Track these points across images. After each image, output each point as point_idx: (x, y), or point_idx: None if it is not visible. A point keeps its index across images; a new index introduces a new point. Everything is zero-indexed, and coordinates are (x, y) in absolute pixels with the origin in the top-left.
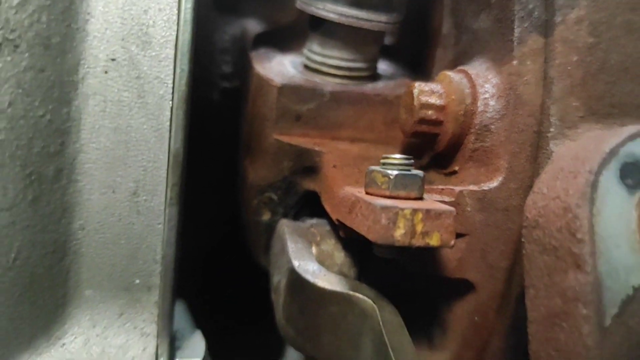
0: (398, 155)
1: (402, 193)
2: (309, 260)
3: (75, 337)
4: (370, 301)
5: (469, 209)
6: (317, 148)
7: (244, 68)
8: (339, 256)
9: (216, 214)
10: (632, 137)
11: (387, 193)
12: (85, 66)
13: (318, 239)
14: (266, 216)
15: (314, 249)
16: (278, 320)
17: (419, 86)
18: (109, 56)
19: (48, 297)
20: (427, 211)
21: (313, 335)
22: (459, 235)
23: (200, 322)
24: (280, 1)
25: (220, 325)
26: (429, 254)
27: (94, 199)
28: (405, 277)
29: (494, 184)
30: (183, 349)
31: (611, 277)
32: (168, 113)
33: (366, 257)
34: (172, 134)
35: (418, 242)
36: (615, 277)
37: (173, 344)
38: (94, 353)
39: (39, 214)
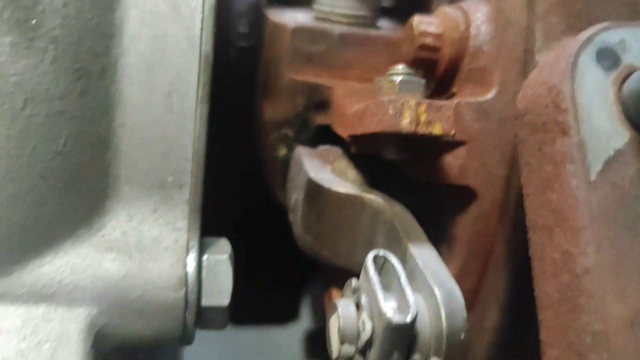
0: (401, 66)
1: (407, 96)
2: (325, 171)
3: (114, 229)
4: (381, 200)
5: (467, 118)
6: (328, 84)
7: (259, 26)
8: (351, 173)
9: (237, 156)
10: (605, 29)
11: (394, 97)
12: None
13: (332, 158)
14: (282, 152)
15: (328, 167)
16: (297, 233)
17: (418, 18)
18: None
19: (90, 189)
20: (430, 104)
21: (330, 240)
22: (459, 143)
23: None
24: None
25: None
26: (433, 162)
27: (133, 99)
28: (412, 193)
29: (488, 96)
30: (211, 248)
31: (593, 140)
32: (199, 23)
33: (376, 175)
34: (203, 39)
35: (422, 129)
36: (597, 141)
37: (202, 239)
38: (131, 243)
39: (86, 107)
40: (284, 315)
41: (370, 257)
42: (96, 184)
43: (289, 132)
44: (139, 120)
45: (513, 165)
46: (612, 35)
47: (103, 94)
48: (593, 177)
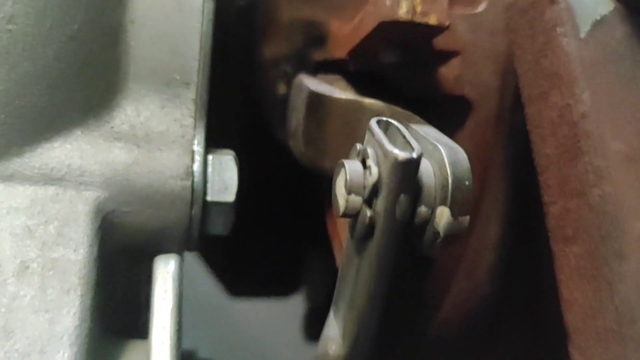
0: None
1: None
2: (325, 85)
3: (122, 123)
4: (381, 102)
5: (459, 28)
6: (324, 20)
7: None
8: (351, 92)
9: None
10: None
11: None
12: None
13: (331, 80)
14: (282, 89)
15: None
16: (298, 152)
17: None
18: None
19: (100, 81)
20: None
21: (332, 149)
22: (453, 54)
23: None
24: None
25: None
26: (430, 73)
27: None
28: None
29: (479, 9)
30: (217, 151)
31: (580, 6)
32: None
33: (375, 96)
34: None
35: (418, 19)
36: (584, 7)
37: (207, 137)
38: (139, 135)
39: None
40: (282, 288)
41: (373, 120)
42: (106, 76)
43: (288, 69)
44: (149, 16)
45: (506, 77)
46: None
47: None
48: (582, 35)
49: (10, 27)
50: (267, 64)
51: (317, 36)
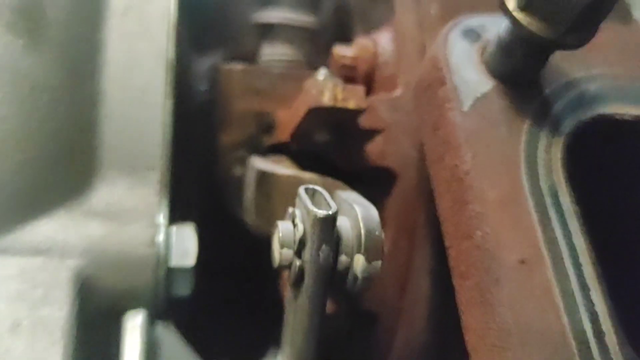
0: (324, 70)
1: (326, 81)
2: (271, 164)
3: (98, 202)
4: (315, 176)
5: (381, 110)
6: (272, 111)
7: (215, 79)
8: (293, 170)
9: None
10: (467, 17)
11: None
12: None
13: (278, 160)
14: (238, 171)
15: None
16: (251, 222)
17: (338, 46)
18: None
19: (80, 167)
20: (345, 86)
21: (278, 217)
22: (376, 132)
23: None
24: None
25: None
26: (358, 149)
27: (115, 95)
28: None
29: (396, 94)
30: (179, 223)
31: (464, 86)
32: (165, 37)
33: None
34: (169, 49)
35: (340, 104)
36: (467, 86)
37: (171, 211)
38: (112, 212)
39: (78, 98)
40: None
41: (301, 188)
42: (84, 163)
43: (243, 153)
44: (119, 111)
45: (423, 148)
46: (474, 21)
47: (91, 89)
48: (465, 109)
49: (3, 126)
50: (224, 150)
51: (266, 124)
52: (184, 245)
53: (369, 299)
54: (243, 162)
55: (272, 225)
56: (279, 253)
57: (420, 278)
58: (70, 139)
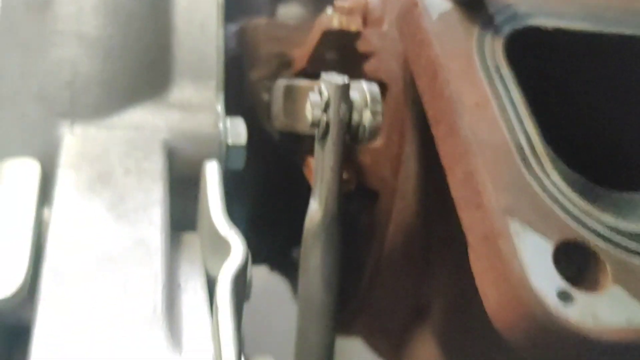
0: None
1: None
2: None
3: (175, 98)
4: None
5: (372, 39)
6: (289, 51)
7: (242, 37)
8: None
9: None
10: None
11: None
12: None
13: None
14: (265, 97)
15: None
16: (279, 124)
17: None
18: None
19: (162, 71)
20: (347, 16)
21: (301, 116)
22: (370, 55)
23: None
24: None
25: None
26: (358, 69)
27: (181, 27)
28: None
29: (384, 28)
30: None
31: (431, 6)
32: None
33: None
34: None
35: (345, 27)
36: (433, 7)
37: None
38: (185, 105)
39: (158, 24)
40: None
41: (323, 73)
42: (164, 73)
43: (269, 84)
44: (186, 39)
45: (406, 67)
46: None
47: (166, 21)
48: (433, 19)
49: (110, 42)
50: (253, 83)
51: (286, 62)
52: (237, 129)
53: (371, 179)
54: (269, 90)
55: (297, 122)
56: (311, 113)
57: (410, 161)
58: (154, 54)
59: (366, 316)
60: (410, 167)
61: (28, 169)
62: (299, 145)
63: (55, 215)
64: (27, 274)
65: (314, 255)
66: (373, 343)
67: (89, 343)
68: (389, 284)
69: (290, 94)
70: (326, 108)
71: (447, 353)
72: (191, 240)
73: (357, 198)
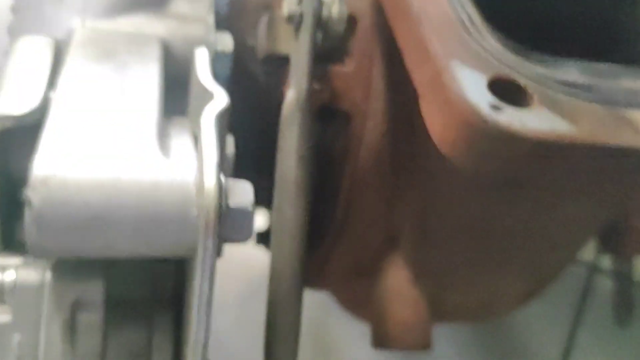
0: None
1: None
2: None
3: (173, 11)
4: None
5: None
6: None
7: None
8: None
9: None
10: None
11: None
12: None
13: None
14: (251, 41)
15: None
16: (263, 47)
17: None
18: None
19: None
20: None
21: (283, 38)
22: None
23: None
24: None
25: None
26: None
27: None
28: None
29: None
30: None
31: None
32: None
33: None
34: None
35: None
36: None
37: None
38: (181, 16)
39: None
40: None
41: None
42: None
43: (254, 31)
44: None
45: (374, 4)
46: None
47: None
48: None
49: None
50: (241, 30)
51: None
52: (224, 40)
53: (344, 102)
54: (254, 35)
55: (279, 44)
56: (287, 8)
57: (377, 83)
58: None
59: (340, 252)
60: (378, 88)
61: (44, 42)
62: (281, 70)
63: (65, 71)
64: (42, 99)
65: (290, 134)
66: (344, 289)
67: (92, 139)
68: (363, 211)
69: (271, 21)
70: (300, 1)
71: (418, 279)
72: (181, 120)
73: (331, 124)
